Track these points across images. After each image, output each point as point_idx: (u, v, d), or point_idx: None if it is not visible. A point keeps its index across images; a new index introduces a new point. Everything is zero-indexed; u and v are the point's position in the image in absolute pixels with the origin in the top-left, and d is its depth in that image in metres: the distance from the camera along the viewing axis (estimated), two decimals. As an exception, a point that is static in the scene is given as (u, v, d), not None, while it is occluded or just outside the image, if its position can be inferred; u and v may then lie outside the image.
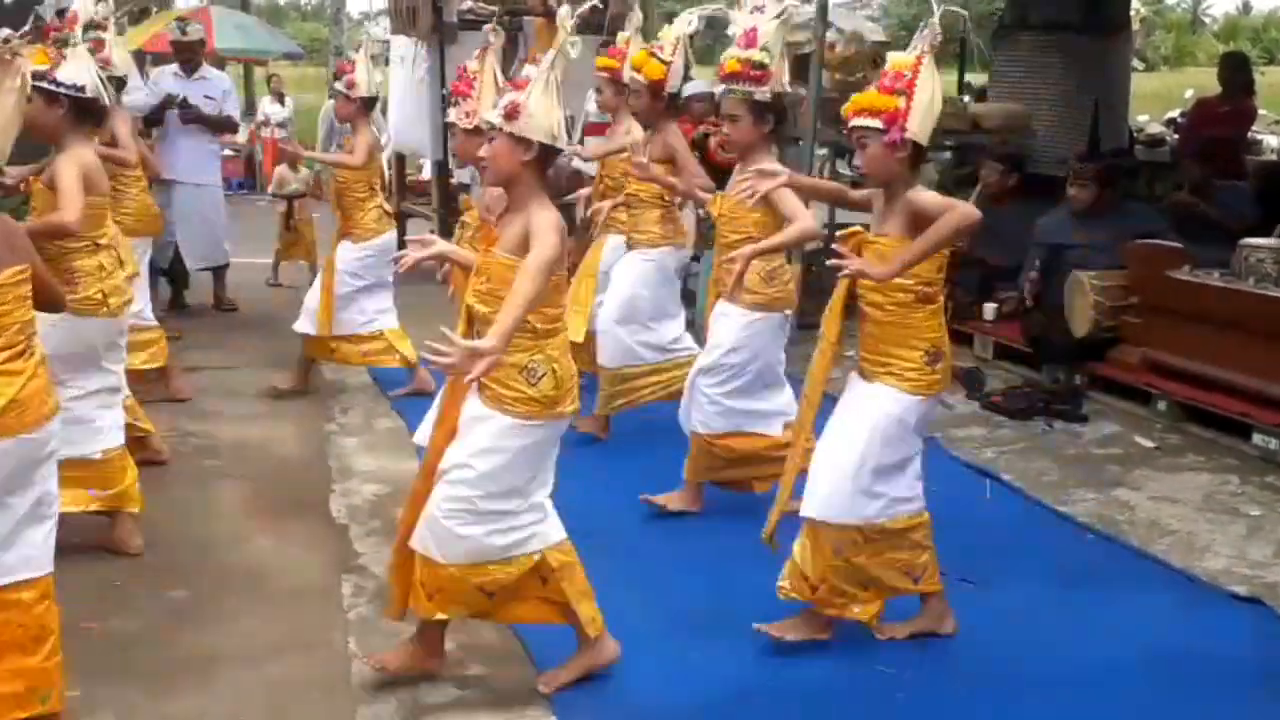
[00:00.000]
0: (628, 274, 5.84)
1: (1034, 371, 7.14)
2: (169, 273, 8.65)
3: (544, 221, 3.39)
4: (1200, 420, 6.23)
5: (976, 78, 13.37)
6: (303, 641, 4.00)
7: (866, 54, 10.22)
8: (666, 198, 5.72)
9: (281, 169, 10.79)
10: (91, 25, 5.97)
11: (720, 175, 8.41)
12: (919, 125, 3.64)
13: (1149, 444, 6.08)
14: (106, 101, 4.51)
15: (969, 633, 4.09)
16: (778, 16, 4.66)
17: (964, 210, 3.64)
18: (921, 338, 3.78)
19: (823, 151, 10.67)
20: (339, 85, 6.57)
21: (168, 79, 8.56)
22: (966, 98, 11.00)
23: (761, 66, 4.60)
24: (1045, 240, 7.15)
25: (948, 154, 10.32)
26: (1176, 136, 11.24)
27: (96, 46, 6.02)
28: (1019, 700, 3.71)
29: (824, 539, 3.84)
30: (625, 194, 5.90)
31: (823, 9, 8.17)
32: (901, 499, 3.88)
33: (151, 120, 8.52)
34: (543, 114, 3.43)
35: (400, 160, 11.30)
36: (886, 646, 3.96)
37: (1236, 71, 9.65)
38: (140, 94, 8.10)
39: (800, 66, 9.97)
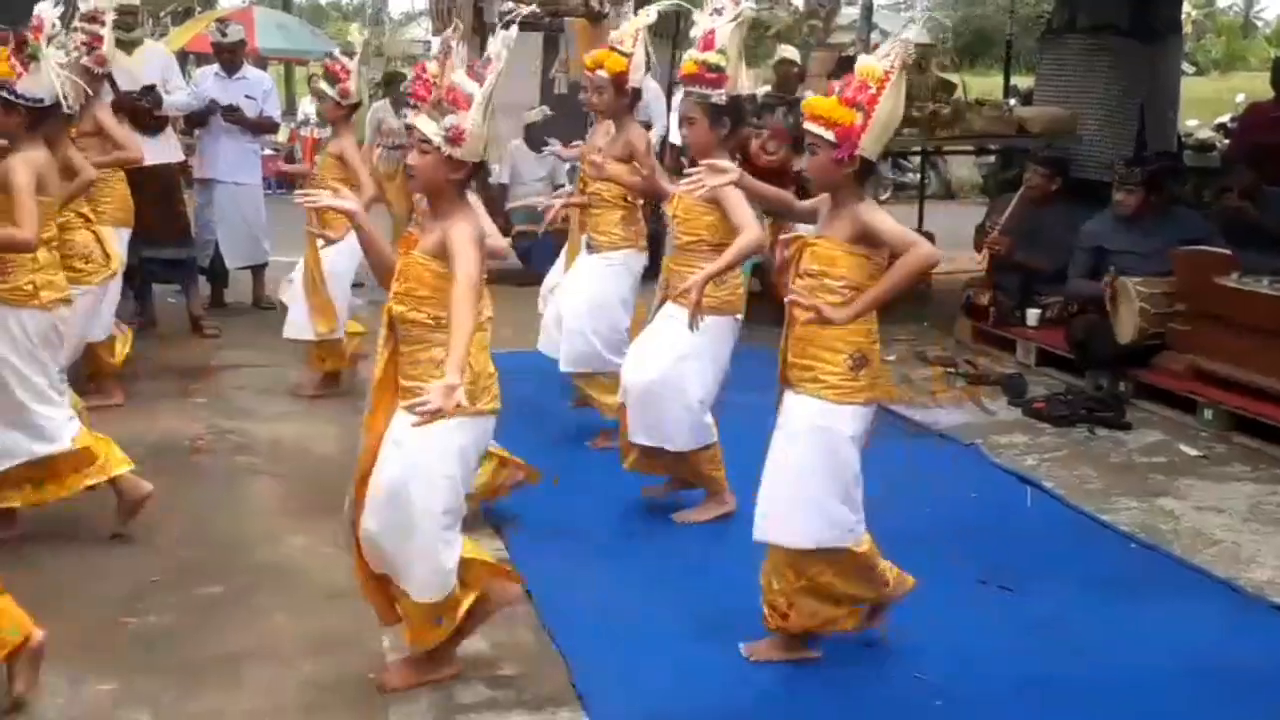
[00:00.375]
0: (592, 277, 5.69)
1: (1077, 378, 7.05)
2: (209, 271, 8.72)
3: (462, 235, 3.37)
4: (1247, 429, 6.13)
5: (1023, 80, 13.28)
6: (335, 640, 3.99)
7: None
8: (629, 198, 5.60)
9: None
10: (89, 18, 6.00)
11: (765, 178, 8.42)
12: (872, 143, 3.56)
13: (1194, 453, 5.99)
14: (70, 109, 4.64)
15: (1008, 641, 4.04)
16: (733, 20, 4.62)
17: (926, 252, 3.55)
18: (846, 341, 3.64)
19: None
20: (327, 87, 6.58)
21: (209, 80, 8.62)
22: (1012, 101, 10.90)
23: (718, 69, 4.59)
24: (1091, 244, 7.06)
25: (993, 157, 10.24)
26: (1226, 142, 11.08)
27: (93, 43, 6.05)
28: (1058, 710, 3.65)
29: (784, 563, 3.77)
30: (587, 193, 5.70)
31: (867, 10, 8.12)
32: (851, 522, 3.75)
33: (194, 120, 8.59)
34: (478, 137, 3.41)
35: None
36: (923, 653, 3.92)
37: (1288, 76, 9.48)
38: (182, 94, 8.17)
39: (844, 68, 9.94)
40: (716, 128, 4.67)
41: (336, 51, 6.96)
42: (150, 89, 7.53)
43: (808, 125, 3.60)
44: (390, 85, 10.92)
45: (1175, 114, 10.09)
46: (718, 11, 4.67)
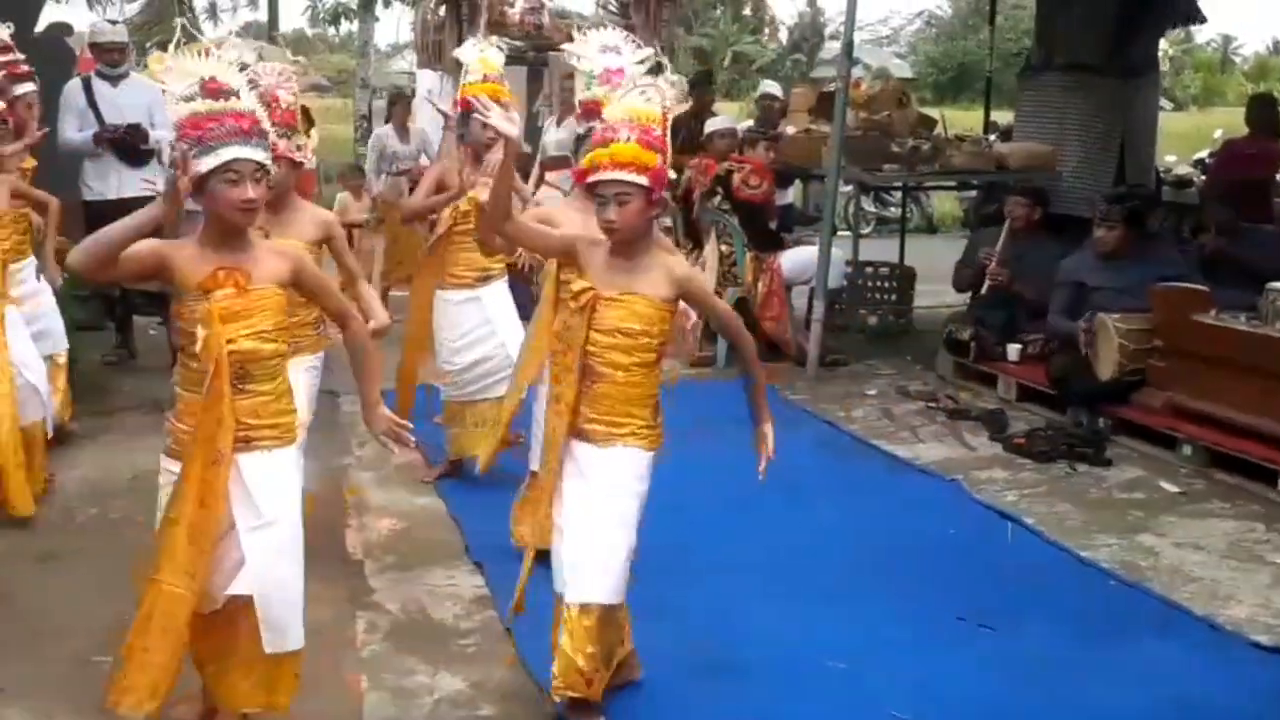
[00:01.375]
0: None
1: (1058, 413, 7.08)
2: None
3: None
4: (1226, 466, 6.14)
5: (1003, 115, 13.37)
6: (315, 678, 3.93)
7: (891, 91, 10.25)
8: None
9: (344, 195, 10.84)
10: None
11: (748, 211, 8.49)
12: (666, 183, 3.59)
13: (1173, 489, 6.00)
14: None
15: (987, 679, 4.04)
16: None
17: (738, 320, 3.84)
18: (653, 393, 3.63)
19: (846, 189, 10.68)
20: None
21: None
22: (992, 136, 10.98)
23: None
24: (1070, 280, 7.11)
25: (973, 192, 10.29)
26: (1204, 177, 11.18)
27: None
28: (1037, 751, 3.66)
29: (599, 621, 3.60)
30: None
31: (848, 46, 8.17)
32: None
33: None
34: None
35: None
36: (901, 691, 3.91)
37: (1265, 112, 9.60)
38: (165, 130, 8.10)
39: (824, 103, 10.00)
40: None
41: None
42: (135, 127, 7.51)
43: (614, 175, 3.45)
44: (395, 106, 10.87)
45: (1153, 150, 10.18)
46: (612, 50, 4.58)
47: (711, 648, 4.16)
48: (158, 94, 8.36)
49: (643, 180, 3.44)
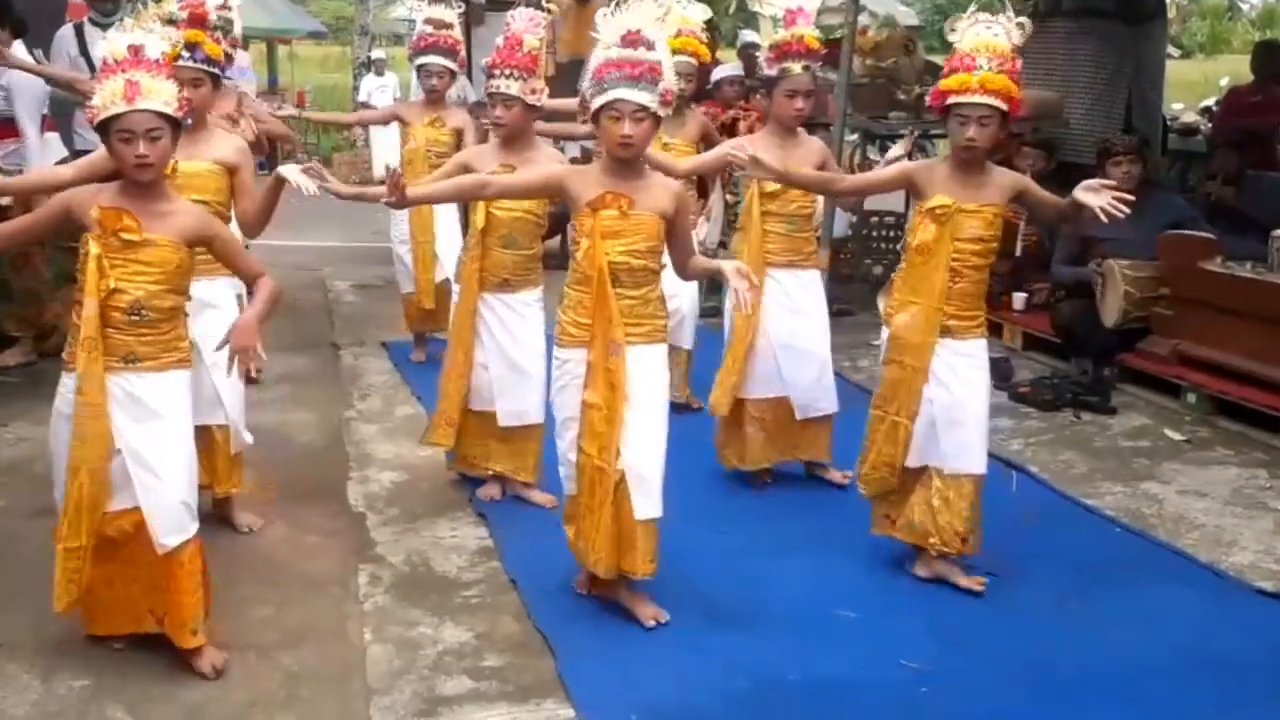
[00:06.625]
0: None
1: (1063, 362, 7.05)
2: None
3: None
4: (1230, 413, 6.14)
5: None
6: (318, 631, 3.97)
7: (897, 38, 10.13)
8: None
9: None
10: None
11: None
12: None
13: (1178, 437, 5.99)
14: None
15: (993, 626, 4.04)
16: None
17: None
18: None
19: (853, 137, 10.59)
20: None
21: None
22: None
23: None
24: (1080, 232, 7.04)
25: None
26: (1210, 125, 11.08)
27: None
28: (1042, 694, 3.65)
29: (971, 489, 4.19)
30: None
31: (855, -9, 8.07)
32: None
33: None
34: None
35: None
36: (908, 640, 3.92)
37: (1270, 60, 9.49)
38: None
39: (831, 51, 9.89)
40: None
41: None
42: None
43: (984, 99, 3.96)
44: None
45: (1160, 97, 10.07)
46: None
47: (724, 599, 4.16)
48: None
49: (1004, 107, 3.98)
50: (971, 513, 4.22)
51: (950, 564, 4.30)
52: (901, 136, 11.43)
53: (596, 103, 3.73)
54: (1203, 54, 37.40)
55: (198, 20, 4.35)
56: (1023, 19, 4.13)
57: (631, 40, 3.69)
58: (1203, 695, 3.67)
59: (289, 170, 3.93)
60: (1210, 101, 13.03)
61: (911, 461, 4.27)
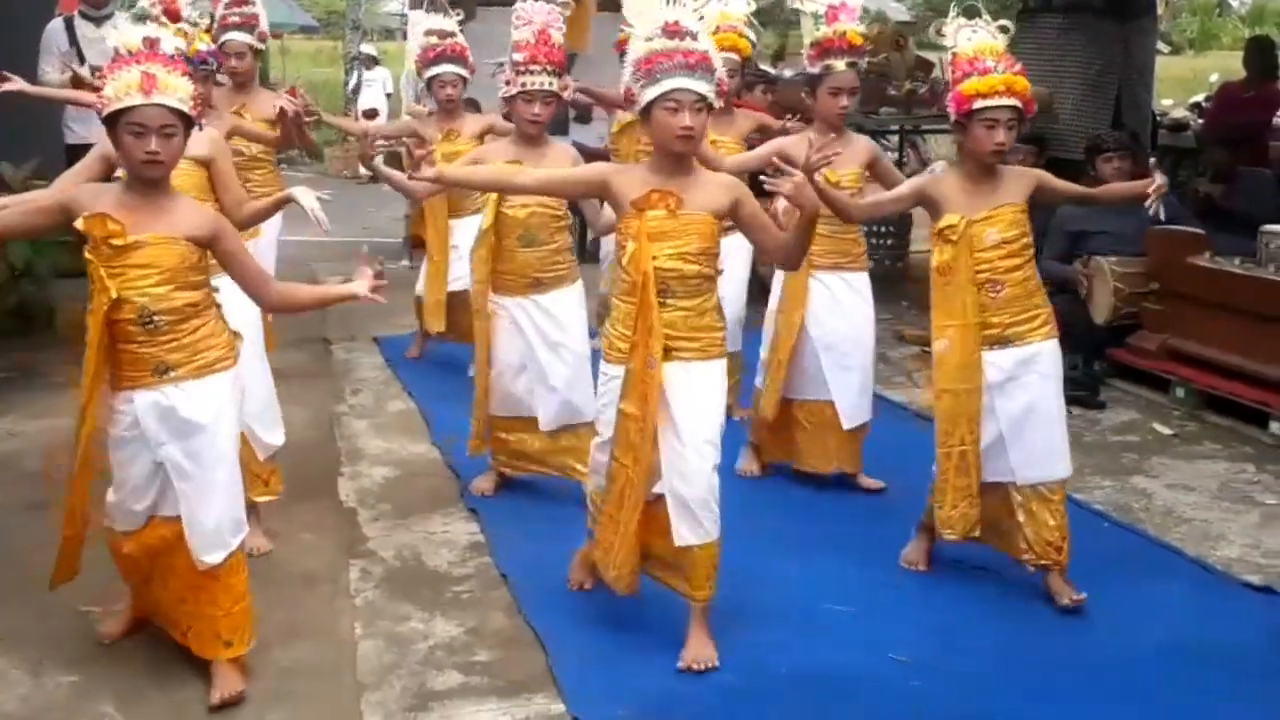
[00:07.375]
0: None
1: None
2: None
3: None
4: (1218, 408, 6.17)
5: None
6: (308, 626, 3.97)
7: (889, 34, 10.15)
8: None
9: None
10: None
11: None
12: None
13: (1167, 431, 6.02)
14: None
15: (984, 621, 4.06)
16: None
17: None
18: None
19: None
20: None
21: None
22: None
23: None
24: (1070, 228, 7.06)
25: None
26: (1200, 121, 11.12)
27: None
28: (1030, 687, 3.67)
29: (1054, 496, 4.14)
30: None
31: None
32: None
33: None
34: None
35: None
36: (899, 634, 3.93)
37: (1261, 56, 9.53)
38: None
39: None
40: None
41: None
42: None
43: (1012, 101, 3.92)
44: None
45: (1150, 93, 10.11)
46: None
47: (719, 594, 4.17)
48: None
49: (1022, 106, 3.96)
50: (1061, 520, 4.12)
51: (1055, 577, 4.15)
52: (893, 132, 11.51)
53: (650, 94, 3.49)
54: (1192, 50, 37.42)
55: (171, 16, 4.28)
56: (1005, 22, 4.11)
57: (673, 31, 3.51)
58: (1191, 688, 3.68)
59: (305, 197, 3.87)
60: (1200, 97, 13.08)
61: (986, 477, 4.16)
